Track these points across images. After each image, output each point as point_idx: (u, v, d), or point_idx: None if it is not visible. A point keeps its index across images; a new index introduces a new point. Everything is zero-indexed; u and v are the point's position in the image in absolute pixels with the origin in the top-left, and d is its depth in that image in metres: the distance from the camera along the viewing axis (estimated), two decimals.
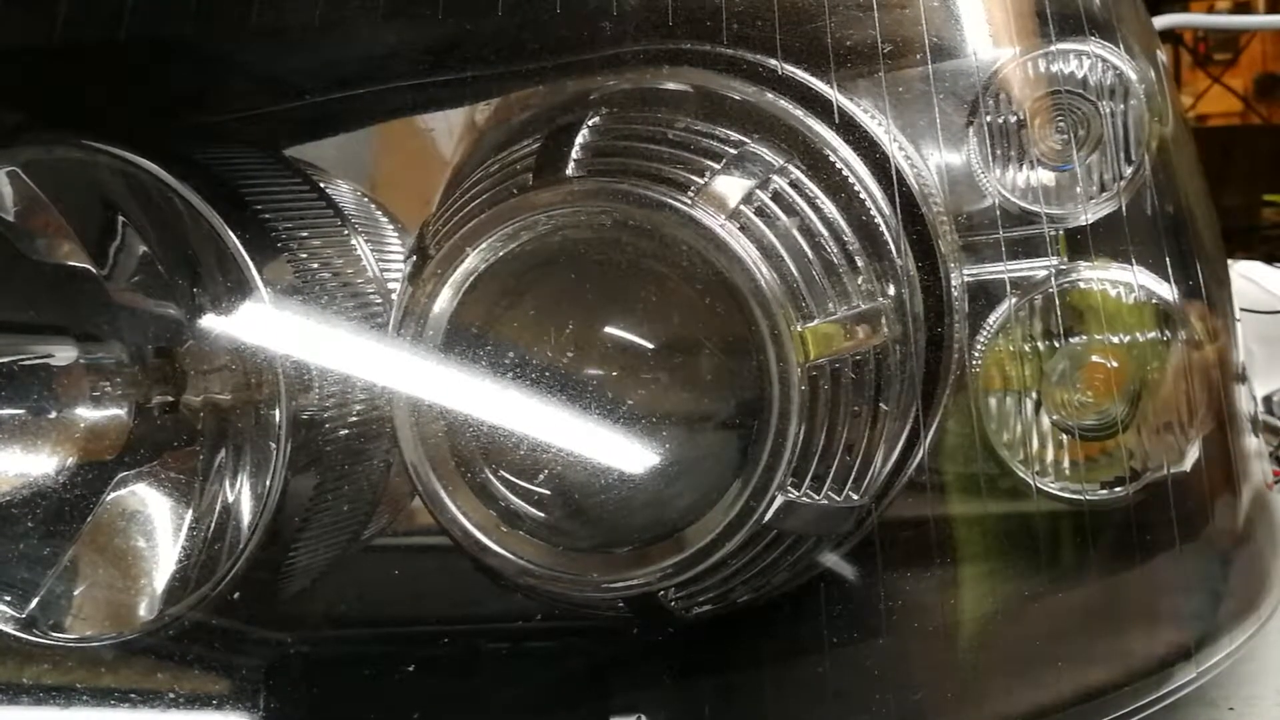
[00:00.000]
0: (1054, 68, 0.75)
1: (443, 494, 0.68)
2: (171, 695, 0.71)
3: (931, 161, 0.73)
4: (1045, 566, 0.73)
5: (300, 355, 0.68)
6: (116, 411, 0.74)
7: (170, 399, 0.73)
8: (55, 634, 0.70)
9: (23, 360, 0.74)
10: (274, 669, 0.73)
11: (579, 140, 0.67)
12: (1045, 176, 0.74)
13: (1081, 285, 0.74)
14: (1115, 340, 0.75)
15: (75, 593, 0.71)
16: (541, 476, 0.68)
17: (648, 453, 0.67)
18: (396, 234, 0.77)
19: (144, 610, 0.70)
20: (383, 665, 0.72)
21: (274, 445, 0.67)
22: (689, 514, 0.66)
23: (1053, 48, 0.75)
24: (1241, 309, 0.89)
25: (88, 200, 0.71)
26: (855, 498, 0.68)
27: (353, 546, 0.76)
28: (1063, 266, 0.74)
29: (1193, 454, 0.77)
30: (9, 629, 0.70)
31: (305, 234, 0.73)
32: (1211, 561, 0.79)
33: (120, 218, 0.71)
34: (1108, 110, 0.75)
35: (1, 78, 0.75)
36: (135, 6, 0.75)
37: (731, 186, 0.65)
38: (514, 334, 0.68)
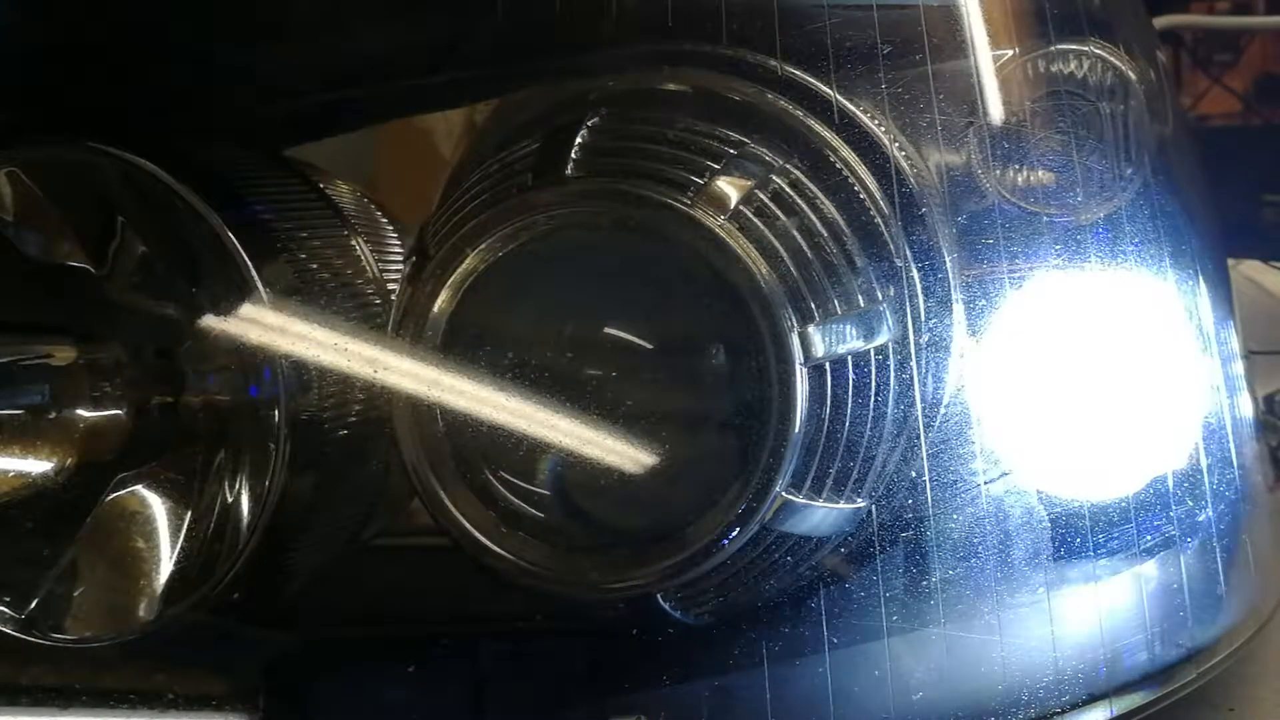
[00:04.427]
0: (1054, 68, 0.75)
1: (442, 495, 0.68)
2: (171, 695, 0.71)
3: (931, 161, 0.73)
4: (1044, 566, 0.73)
5: (300, 355, 0.68)
6: (116, 412, 0.74)
7: (170, 399, 0.73)
8: (55, 634, 0.70)
9: (23, 360, 0.74)
10: (274, 669, 0.73)
11: (579, 140, 0.67)
12: (1045, 177, 0.74)
13: None
14: None
15: (75, 593, 0.71)
16: (541, 477, 0.68)
17: (648, 453, 0.67)
18: (396, 234, 0.77)
19: (144, 610, 0.70)
20: (383, 665, 0.72)
21: (273, 445, 0.67)
22: (689, 514, 0.66)
23: (1052, 48, 0.75)
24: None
25: (88, 200, 0.71)
26: (856, 499, 0.68)
27: (353, 546, 0.76)
28: None
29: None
30: (9, 629, 0.70)
31: (305, 234, 0.73)
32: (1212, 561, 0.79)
33: (120, 218, 0.71)
34: (1107, 111, 0.75)
35: (2, 78, 0.75)
36: (136, 6, 0.75)
37: (731, 187, 0.65)
38: (514, 334, 0.68)
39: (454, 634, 0.72)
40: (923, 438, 0.70)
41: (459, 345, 0.68)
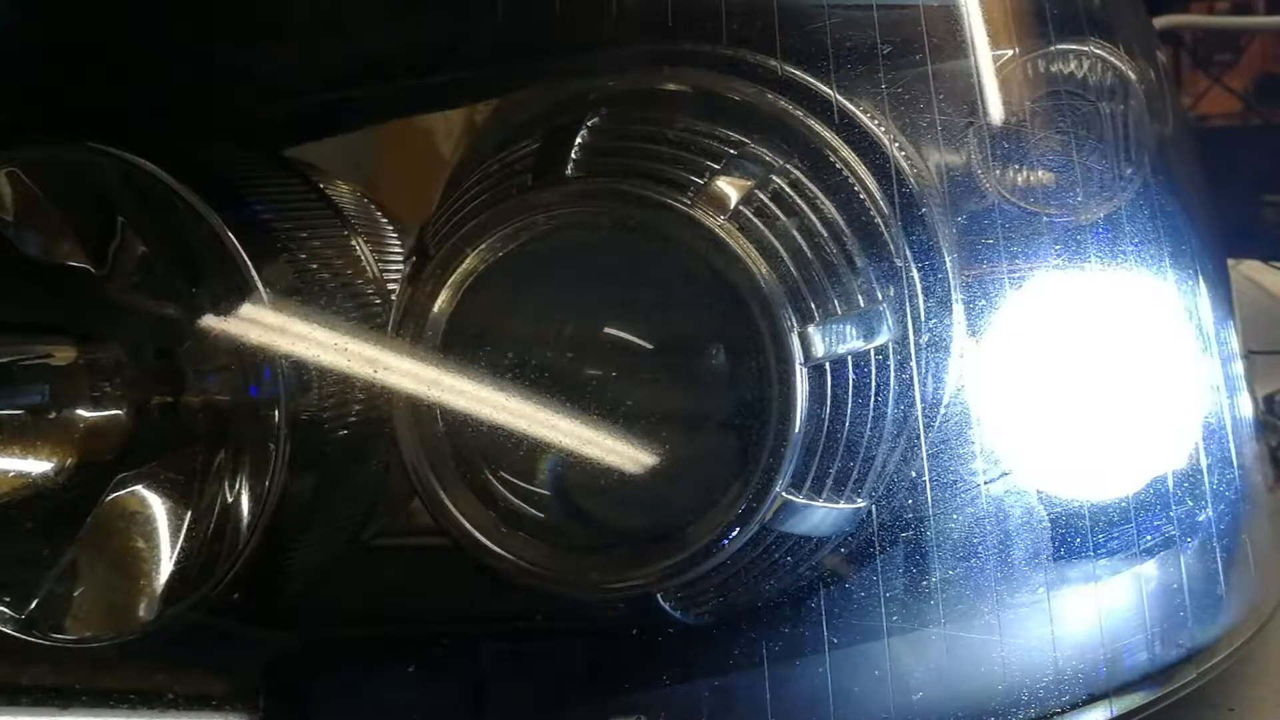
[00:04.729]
0: (1053, 68, 0.75)
1: (442, 495, 0.68)
2: (171, 695, 0.71)
3: (931, 161, 0.73)
4: (1044, 566, 0.73)
5: (300, 355, 0.68)
6: (116, 412, 0.74)
7: (170, 399, 0.73)
8: (55, 634, 0.70)
9: (23, 360, 0.74)
10: (274, 669, 0.73)
11: (579, 140, 0.67)
12: (1045, 177, 0.74)
13: None
14: None
15: (75, 593, 0.71)
16: (541, 477, 0.68)
17: (648, 453, 0.67)
18: (396, 234, 0.77)
19: (144, 610, 0.70)
20: (383, 665, 0.72)
21: (273, 445, 0.67)
22: (689, 514, 0.66)
23: (1052, 48, 0.75)
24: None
25: (88, 200, 0.71)
26: (856, 499, 0.68)
27: (353, 546, 0.76)
28: None
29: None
30: (9, 629, 0.70)
31: (305, 234, 0.73)
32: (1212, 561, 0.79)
33: (120, 218, 0.71)
34: (1107, 111, 0.75)
35: (2, 78, 0.75)
36: (136, 6, 0.75)
37: (731, 187, 0.65)
38: (514, 334, 0.68)
39: (454, 634, 0.72)
40: (923, 438, 0.70)
41: (459, 345, 0.68)
